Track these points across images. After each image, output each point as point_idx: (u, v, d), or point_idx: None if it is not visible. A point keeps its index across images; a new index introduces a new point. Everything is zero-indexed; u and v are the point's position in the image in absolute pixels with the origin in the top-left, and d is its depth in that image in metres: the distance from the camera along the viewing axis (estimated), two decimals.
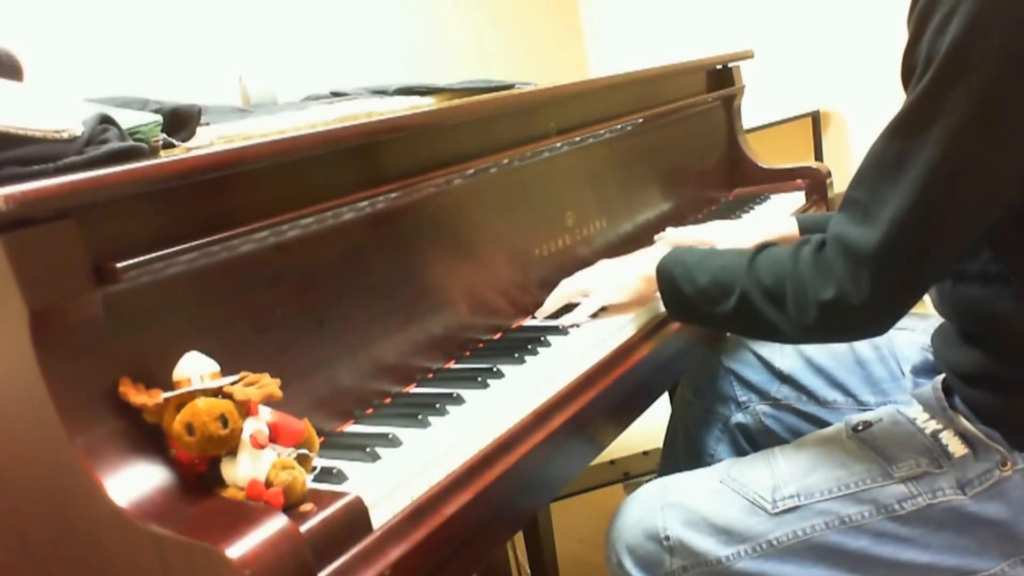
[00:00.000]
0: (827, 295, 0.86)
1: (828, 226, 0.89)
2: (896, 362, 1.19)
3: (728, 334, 1.31)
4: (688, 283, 1.01)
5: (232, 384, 0.68)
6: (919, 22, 0.81)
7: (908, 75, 0.84)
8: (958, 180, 0.80)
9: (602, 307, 1.12)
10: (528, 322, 1.16)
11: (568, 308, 1.14)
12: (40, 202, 0.62)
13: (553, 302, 1.15)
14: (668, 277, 1.04)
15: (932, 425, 0.93)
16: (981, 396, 0.90)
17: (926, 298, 0.96)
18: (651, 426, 1.49)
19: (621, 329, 1.08)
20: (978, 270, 0.89)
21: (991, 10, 0.75)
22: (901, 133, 0.82)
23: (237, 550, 0.58)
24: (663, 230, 1.41)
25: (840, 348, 1.22)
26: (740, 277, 0.95)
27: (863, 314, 0.86)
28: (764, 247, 0.96)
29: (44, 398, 0.63)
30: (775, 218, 1.41)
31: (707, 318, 1.02)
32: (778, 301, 0.91)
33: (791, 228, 1.31)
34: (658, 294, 1.07)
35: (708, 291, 0.98)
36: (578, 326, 1.09)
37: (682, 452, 1.35)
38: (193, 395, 0.67)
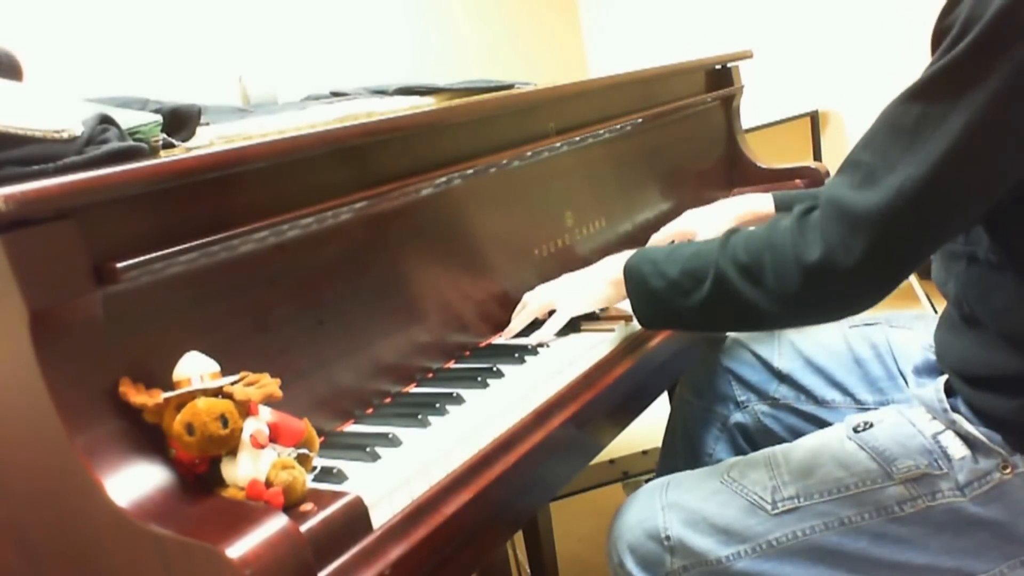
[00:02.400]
0: (812, 257, 0.80)
1: (821, 190, 0.84)
2: (894, 361, 1.19)
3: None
4: (658, 278, 0.93)
5: (232, 384, 0.68)
6: None
7: (939, 38, 0.78)
8: (981, 154, 0.76)
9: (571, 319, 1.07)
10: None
11: (536, 324, 1.09)
12: (40, 202, 0.62)
13: (520, 321, 1.09)
14: (637, 276, 0.97)
15: (933, 426, 0.93)
16: (983, 397, 0.89)
17: (925, 295, 0.95)
18: (650, 425, 1.48)
19: (620, 329, 1.07)
20: (984, 255, 0.87)
21: None
22: (925, 97, 0.77)
23: (237, 550, 0.58)
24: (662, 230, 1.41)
25: (839, 347, 1.22)
26: (713, 260, 0.88)
27: (851, 281, 0.80)
28: (736, 230, 0.91)
29: (44, 398, 0.63)
30: (751, 196, 1.38)
31: (681, 315, 0.94)
32: (755, 275, 0.85)
33: (767, 206, 1.30)
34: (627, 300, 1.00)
35: (680, 282, 0.91)
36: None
37: (681, 451, 1.35)
38: (193, 395, 0.67)
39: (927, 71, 0.78)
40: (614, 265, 1.03)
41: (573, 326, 1.08)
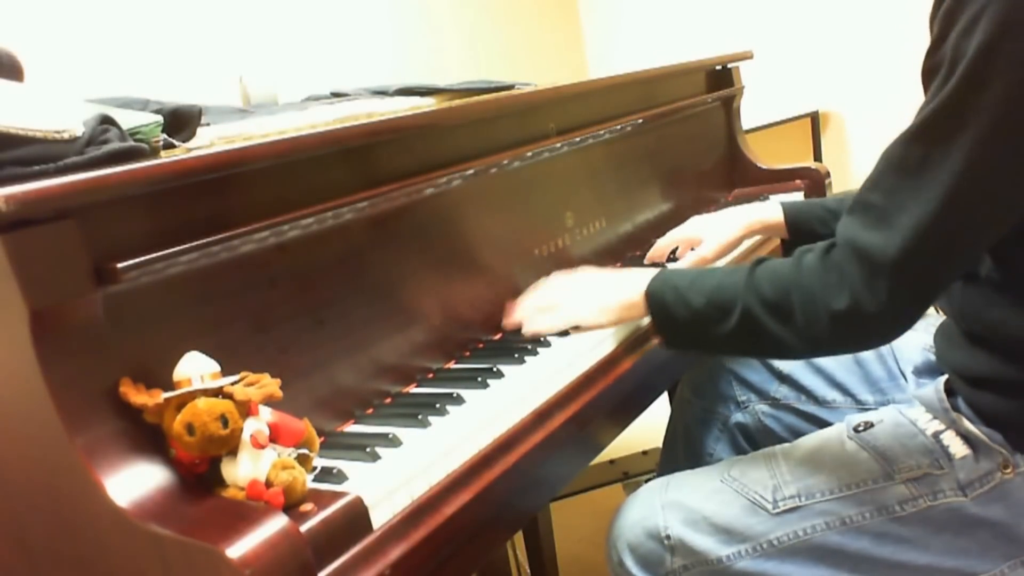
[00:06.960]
0: (840, 304, 0.82)
1: (836, 230, 0.86)
2: (895, 362, 1.19)
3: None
4: (682, 307, 0.94)
5: (232, 384, 0.68)
6: (944, 22, 0.78)
7: (930, 76, 0.81)
8: (985, 187, 0.78)
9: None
10: None
11: None
12: (40, 202, 0.62)
13: (520, 315, 1.08)
14: (660, 303, 0.96)
15: (934, 426, 0.93)
16: (984, 397, 0.90)
17: None
18: (651, 426, 1.49)
19: (621, 329, 1.07)
20: (984, 274, 0.88)
21: (1021, 11, 0.73)
22: (924, 138, 0.79)
23: (237, 550, 0.58)
24: (662, 231, 1.41)
25: None
26: (739, 293, 0.89)
27: (877, 323, 0.83)
28: (761, 260, 0.92)
29: (44, 398, 0.63)
30: (760, 204, 1.39)
31: (706, 342, 0.96)
32: (784, 314, 0.86)
33: (776, 214, 1.30)
34: (645, 320, 1.01)
35: (705, 312, 0.92)
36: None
37: (681, 451, 1.35)
38: (193, 395, 0.67)
39: (923, 111, 0.80)
40: (632, 286, 1.00)
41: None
